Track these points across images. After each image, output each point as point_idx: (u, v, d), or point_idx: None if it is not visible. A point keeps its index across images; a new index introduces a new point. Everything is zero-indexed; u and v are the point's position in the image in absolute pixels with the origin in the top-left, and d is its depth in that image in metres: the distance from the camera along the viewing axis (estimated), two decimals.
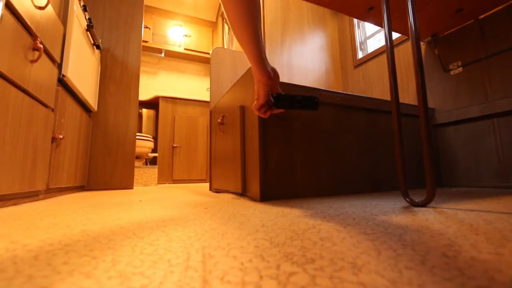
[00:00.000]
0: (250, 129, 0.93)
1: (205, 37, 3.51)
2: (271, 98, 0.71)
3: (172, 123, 2.66)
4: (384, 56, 1.84)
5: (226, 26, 3.19)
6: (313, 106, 0.74)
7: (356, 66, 2.08)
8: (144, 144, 2.42)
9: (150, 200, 0.92)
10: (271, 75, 0.65)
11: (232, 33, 3.00)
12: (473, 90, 1.23)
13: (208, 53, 3.46)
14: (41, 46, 0.86)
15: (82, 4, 1.34)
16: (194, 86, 3.50)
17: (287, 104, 0.72)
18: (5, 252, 0.31)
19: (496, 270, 0.23)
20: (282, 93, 0.72)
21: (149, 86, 3.25)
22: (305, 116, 0.98)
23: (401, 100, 1.67)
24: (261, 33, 0.60)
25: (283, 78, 1.97)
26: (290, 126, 0.95)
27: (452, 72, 1.32)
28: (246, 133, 0.97)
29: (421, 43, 1.46)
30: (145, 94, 3.20)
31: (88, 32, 1.43)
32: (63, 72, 1.12)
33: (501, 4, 1.13)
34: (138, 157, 2.53)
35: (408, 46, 1.64)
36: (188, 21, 3.48)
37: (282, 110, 0.75)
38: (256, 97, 0.70)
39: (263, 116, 0.74)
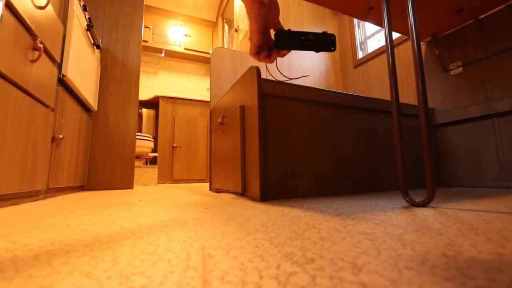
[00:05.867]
0: (250, 129, 0.93)
1: (205, 37, 3.51)
2: (271, 37, 0.52)
3: (172, 123, 2.66)
4: (384, 56, 1.84)
5: (226, 26, 3.19)
6: (329, 46, 0.56)
7: (356, 66, 2.08)
8: (144, 144, 2.42)
9: (150, 200, 0.92)
10: (265, 1, 0.47)
11: (232, 32, 3.00)
12: (473, 90, 1.23)
13: (208, 53, 3.46)
14: (41, 46, 0.86)
15: (82, 4, 1.34)
16: (194, 86, 3.50)
17: (293, 43, 0.53)
18: (5, 252, 0.31)
19: (496, 270, 0.23)
20: (285, 29, 0.53)
21: (149, 86, 3.25)
22: (305, 115, 0.98)
23: (401, 100, 1.67)
24: None
25: (283, 78, 1.97)
26: (290, 126, 0.95)
27: (452, 72, 1.31)
28: (246, 133, 0.97)
29: (421, 43, 1.46)
30: (145, 94, 3.20)
31: (88, 32, 1.43)
32: (63, 72, 1.12)
33: (501, 4, 1.13)
34: (138, 157, 2.53)
35: (408, 46, 1.64)
36: (188, 21, 3.48)
37: (286, 53, 0.55)
38: (249, 37, 0.51)
39: (267, 61, 0.53)
